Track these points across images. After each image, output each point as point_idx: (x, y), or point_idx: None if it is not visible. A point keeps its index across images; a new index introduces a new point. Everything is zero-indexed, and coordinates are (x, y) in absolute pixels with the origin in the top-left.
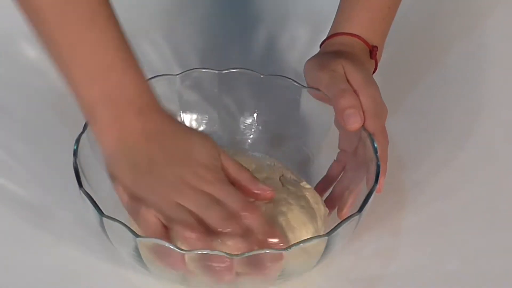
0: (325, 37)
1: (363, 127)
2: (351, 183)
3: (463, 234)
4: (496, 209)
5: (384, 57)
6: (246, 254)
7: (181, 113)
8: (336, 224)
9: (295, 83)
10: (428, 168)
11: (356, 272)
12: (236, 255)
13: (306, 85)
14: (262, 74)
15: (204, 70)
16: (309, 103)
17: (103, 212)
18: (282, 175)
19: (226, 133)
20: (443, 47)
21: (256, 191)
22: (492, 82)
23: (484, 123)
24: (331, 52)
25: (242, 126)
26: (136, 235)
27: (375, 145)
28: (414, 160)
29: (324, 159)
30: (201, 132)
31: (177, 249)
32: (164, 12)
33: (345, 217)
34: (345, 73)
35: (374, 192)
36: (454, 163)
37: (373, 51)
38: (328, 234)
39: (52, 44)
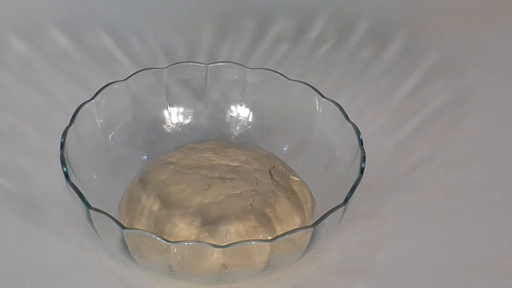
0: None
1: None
2: None
3: (449, 224)
4: (481, 199)
5: (383, 57)
6: (233, 245)
7: (168, 106)
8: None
9: (282, 76)
10: (413, 160)
11: (342, 263)
12: (223, 246)
13: (292, 78)
14: (249, 67)
15: (191, 64)
16: (295, 96)
17: (90, 205)
18: (273, 167)
19: (213, 126)
20: (444, 47)
21: None
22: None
23: (469, 118)
24: None
25: (229, 119)
26: (123, 227)
27: (361, 137)
28: (400, 152)
29: (312, 151)
30: None
31: (163, 241)
32: (151, 5)
33: None
34: None
35: (359, 183)
36: (439, 155)
37: None
38: (314, 225)
39: None
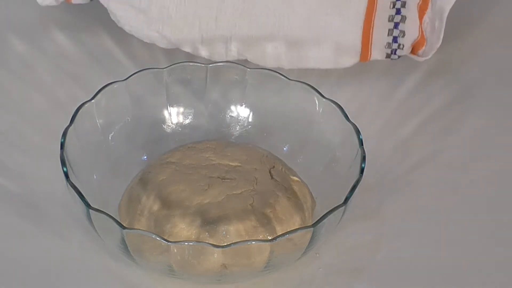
0: None
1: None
2: None
3: (449, 224)
4: (481, 199)
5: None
6: (233, 245)
7: (168, 106)
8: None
9: (282, 76)
10: (413, 160)
11: (342, 263)
12: (223, 246)
13: (291, 78)
14: (249, 67)
15: (191, 64)
16: (295, 96)
17: (90, 205)
18: (273, 167)
19: (213, 126)
20: (444, 47)
21: None
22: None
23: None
24: None
25: (229, 119)
26: (123, 227)
27: (361, 137)
28: (400, 152)
29: (312, 151)
30: None
31: (163, 241)
32: None
33: None
34: None
35: (359, 183)
36: (439, 155)
37: None
38: (314, 225)
39: None
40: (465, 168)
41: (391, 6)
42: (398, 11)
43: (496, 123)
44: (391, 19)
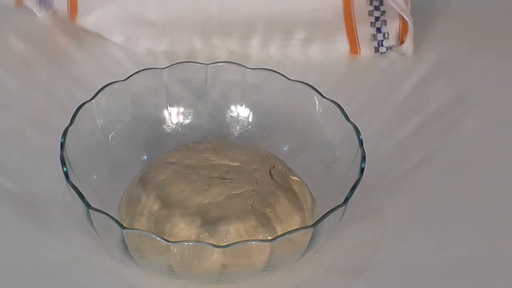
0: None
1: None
2: None
3: (449, 224)
4: (481, 199)
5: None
6: (233, 245)
7: (168, 106)
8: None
9: (282, 76)
10: (413, 160)
11: (342, 263)
12: (223, 246)
13: (291, 78)
14: (249, 67)
15: (191, 63)
16: (295, 96)
17: (90, 205)
18: (273, 167)
19: (213, 126)
20: (444, 47)
21: None
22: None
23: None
24: None
25: (229, 119)
26: (123, 227)
27: (361, 137)
28: (400, 152)
29: (312, 151)
30: None
31: (163, 241)
32: None
33: None
34: None
35: (359, 183)
36: (439, 156)
37: None
38: (314, 225)
39: None
40: (465, 168)
41: (369, 2)
42: (376, 8)
43: (495, 123)
44: (371, 13)
